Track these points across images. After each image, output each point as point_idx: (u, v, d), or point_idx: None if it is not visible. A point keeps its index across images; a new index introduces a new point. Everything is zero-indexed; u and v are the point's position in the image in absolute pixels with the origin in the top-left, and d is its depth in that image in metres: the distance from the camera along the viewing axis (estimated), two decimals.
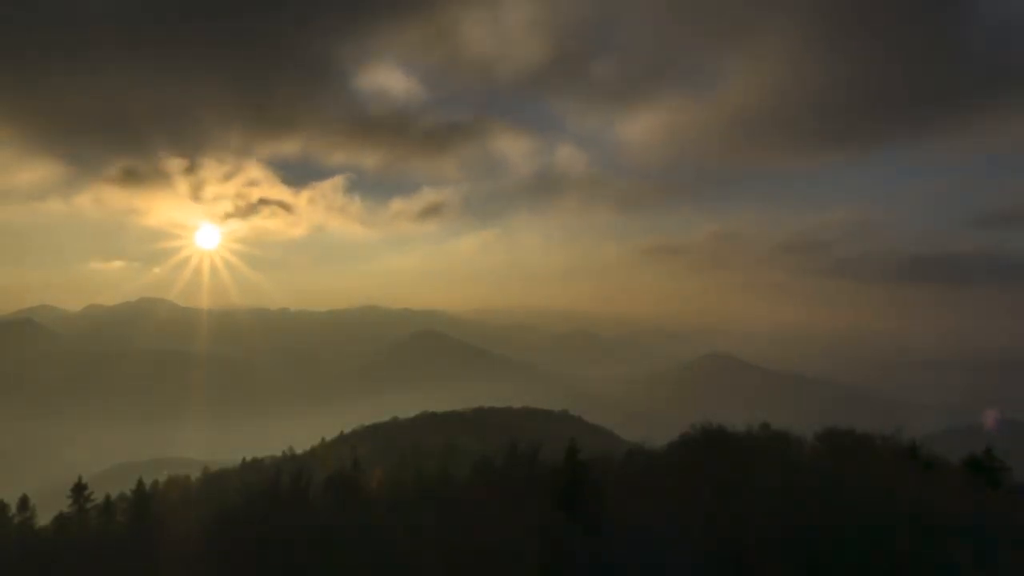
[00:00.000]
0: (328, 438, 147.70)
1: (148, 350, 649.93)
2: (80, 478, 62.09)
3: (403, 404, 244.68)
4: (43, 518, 61.64)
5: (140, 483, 62.20)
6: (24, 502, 62.07)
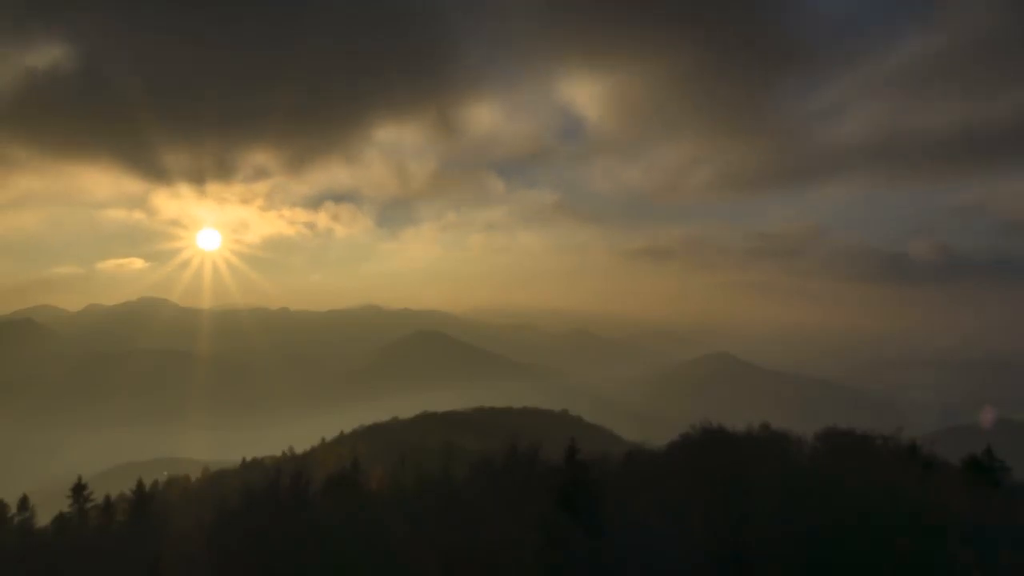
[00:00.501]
0: (328, 438, 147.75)
1: (148, 350, 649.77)
2: (80, 478, 62.12)
3: (403, 404, 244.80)
4: (43, 518, 61.66)
5: (140, 483, 62.24)
6: (24, 502, 62.09)
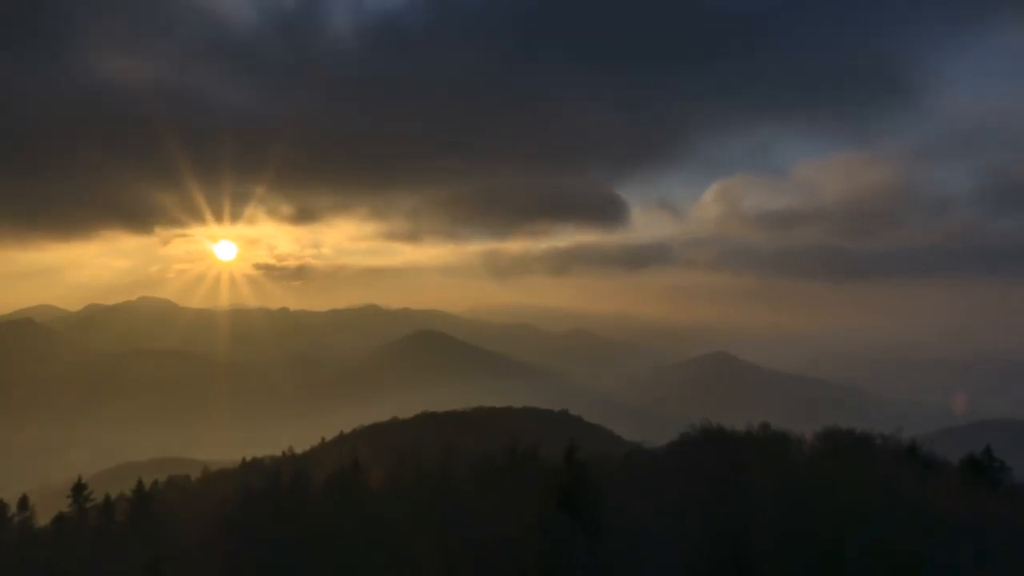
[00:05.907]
0: (328, 438, 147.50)
1: (148, 350, 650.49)
2: (80, 478, 62.07)
3: (403, 404, 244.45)
4: (43, 518, 61.53)
5: (140, 483, 62.25)
6: (24, 502, 61.98)
